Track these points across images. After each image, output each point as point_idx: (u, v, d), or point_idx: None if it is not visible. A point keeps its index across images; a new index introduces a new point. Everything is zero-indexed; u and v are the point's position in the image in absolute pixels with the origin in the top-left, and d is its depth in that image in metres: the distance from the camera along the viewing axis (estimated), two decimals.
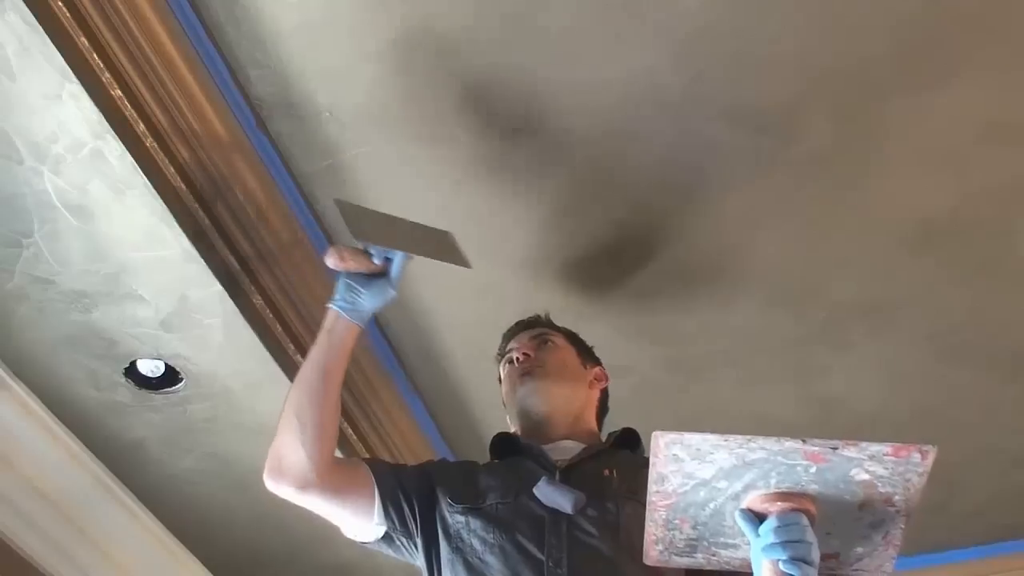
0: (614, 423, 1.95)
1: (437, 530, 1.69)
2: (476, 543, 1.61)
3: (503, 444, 1.89)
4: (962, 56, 1.93)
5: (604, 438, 1.90)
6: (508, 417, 1.99)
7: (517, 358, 1.93)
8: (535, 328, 2.05)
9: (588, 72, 1.97)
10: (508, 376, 1.97)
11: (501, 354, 2.07)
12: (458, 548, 1.63)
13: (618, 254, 2.36)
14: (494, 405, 2.05)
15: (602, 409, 2.01)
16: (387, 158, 2.14)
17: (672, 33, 1.90)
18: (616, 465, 1.71)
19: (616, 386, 2.09)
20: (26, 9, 1.66)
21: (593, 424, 1.93)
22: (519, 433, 1.90)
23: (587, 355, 2.05)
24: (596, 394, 1.99)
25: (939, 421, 2.80)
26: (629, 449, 1.85)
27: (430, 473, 1.79)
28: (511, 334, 2.07)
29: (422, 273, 2.42)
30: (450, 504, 1.69)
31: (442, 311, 2.53)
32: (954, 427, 2.82)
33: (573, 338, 2.06)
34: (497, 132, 2.09)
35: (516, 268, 2.35)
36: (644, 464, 1.71)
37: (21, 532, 2.57)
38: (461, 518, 1.66)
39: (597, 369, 2.03)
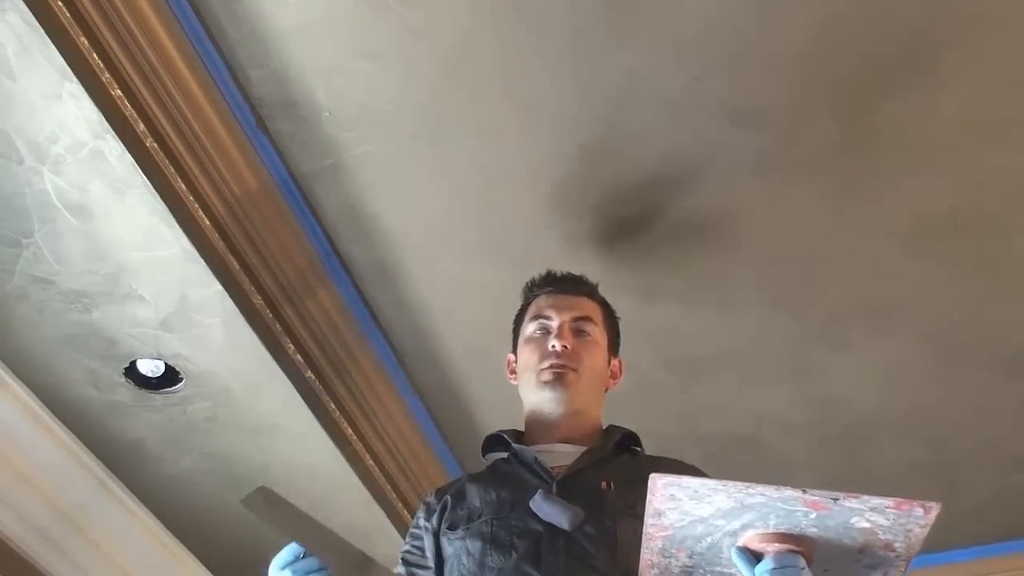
0: (613, 422, 1.93)
1: (442, 560, 1.66)
2: (474, 567, 1.58)
3: (495, 445, 1.84)
4: (962, 56, 1.94)
5: (604, 425, 1.85)
6: (520, 381, 1.86)
7: (555, 346, 1.78)
8: (579, 301, 1.88)
9: (589, 71, 1.97)
10: (535, 350, 1.81)
11: (527, 302, 1.92)
12: (461, 574, 1.61)
13: (617, 254, 2.36)
14: (494, 405, 2.05)
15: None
16: (387, 158, 2.14)
17: (672, 33, 1.90)
18: (614, 475, 1.66)
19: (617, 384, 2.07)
20: (26, 9, 1.66)
21: (597, 419, 1.85)
22: (524, 416, 1.86)
23: (614, 345, 1.92)
24: (605, 388, 1.89)
25: (938, 421, 2.80)
26: (629, 452, 1.80)
27: (435, 529, 1.71)
28: (549, 288, 1.91)
29: (422, 273, 2.42)
30: (449, 531, 1.66)
31: (442, 311, 2.52)
32: (953, 427, 2.82)
33: (609, 321, 1.92)
34: (497, 132, 2.10)
35: (516, 268, 2.34)
36: (644, 471, 1.70)
37: (21, 532, 2.57)
38: (459, 543, 1.63)
39: (615, 362, 1.91)
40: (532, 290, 1.94)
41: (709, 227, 2.29)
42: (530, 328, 1.86)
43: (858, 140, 2.09)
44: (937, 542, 3.16)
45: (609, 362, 1.89)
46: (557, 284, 1.92)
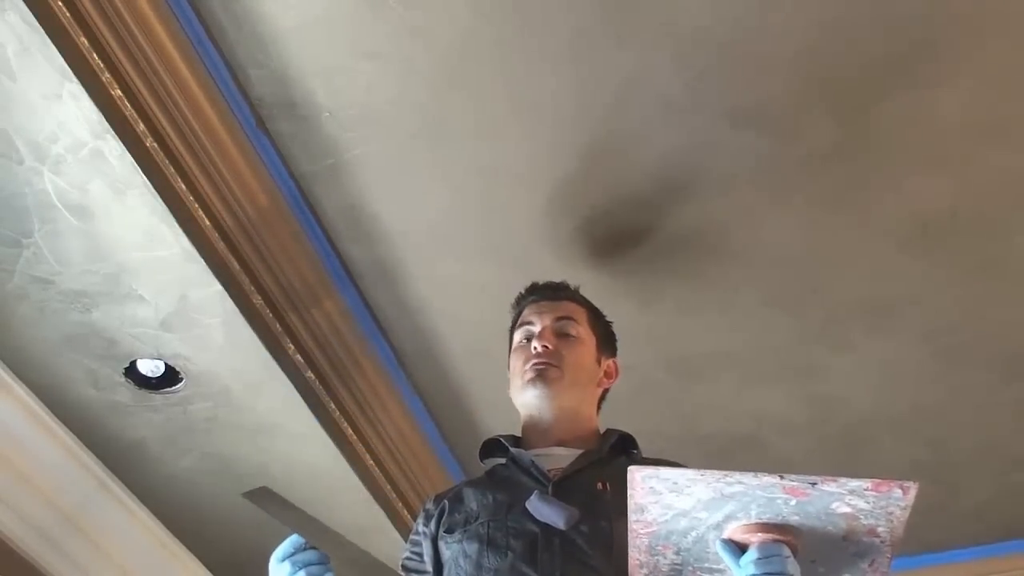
0: (613, 423, 1.93)
1: (441, 564, 1.68)
2: (471, 568, 1.59)
3: (494, 450, 1.86)
4: (962, 56, 1.94)
5: (602, 430, 1.86)
6: (511, 389, 1.88)
7: (536, 348, 1.82)
8: (560, 304, 1.92)
9: (589, 72, 1.97)
10: (520, 356, 1.86)
11: (516, 316, 1.96)
12: None
13: (617, 254, 2.36)
14: (494, 405, 2.05)
15: (600, 403, 1.94)
16: (387, 158, 2.14)
17: (672, 33, 1.90)
18: (611, 476, 1.66)
19: (616, 385, 2.08)
20: (26, 9, 1.66)
21: (592, 422, 1.87)
22: (521, 423, 1.87)
23: (605, 345, 1.94)
24: (600, 391, 1.92)
25: (938, 421, 2.80)
26: (626, 454, 1.81)
27: (433, 534, 1.74)
28: (533, 297, 1.96)
29: (422, 273, 2.42)
30: (447, 535, 1.68)
31: (442, 311, 2.53)
32: (953, 427, 2.82)
33: (596, 322, 1.95)
34: (497, 132, 2.10)
35: (516, 268, 2.34)
36: None
37: (21, 532, 2.57)
38: (457, 546, 1.64)
39: (609, 363, 1.94)
40: (519, 303, 1.99)
41: (709, 227, 2.29)
42: (516, 337, 1.92)
43: (858, 140, 2.09)
44: (937, 542, 3.21)
45: (600, 362, 1.91)
46: (540, 292, 1.97)
